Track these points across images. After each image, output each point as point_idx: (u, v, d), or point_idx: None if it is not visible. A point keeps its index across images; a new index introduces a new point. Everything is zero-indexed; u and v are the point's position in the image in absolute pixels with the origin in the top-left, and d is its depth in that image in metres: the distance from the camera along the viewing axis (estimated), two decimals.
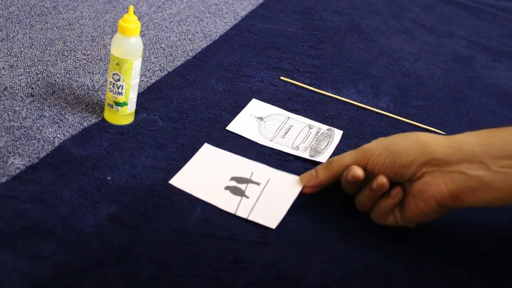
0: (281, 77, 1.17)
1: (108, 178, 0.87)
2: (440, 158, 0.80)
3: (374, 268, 0.82)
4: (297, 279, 0.79)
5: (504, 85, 1.30)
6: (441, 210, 0.82)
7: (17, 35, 1.14)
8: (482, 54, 1.40)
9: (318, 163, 0.97)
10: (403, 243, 0.87)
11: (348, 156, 0.87)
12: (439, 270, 0.84)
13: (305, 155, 0.98)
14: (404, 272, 0.83)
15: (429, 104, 1.19)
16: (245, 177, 0.92)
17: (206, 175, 0.91)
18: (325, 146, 1.01)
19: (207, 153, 0.95)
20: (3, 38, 1.12)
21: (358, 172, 0.85)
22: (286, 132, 1.03)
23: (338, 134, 1.05)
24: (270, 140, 1.00)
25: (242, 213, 0.86)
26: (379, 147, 0.84)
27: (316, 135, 1.03)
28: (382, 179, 0.83)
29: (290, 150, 0.99)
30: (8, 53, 1.09)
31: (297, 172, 0.95)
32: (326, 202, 0.91)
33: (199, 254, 0.79)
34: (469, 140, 0.81)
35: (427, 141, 0.82)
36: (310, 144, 1.01)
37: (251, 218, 0.85)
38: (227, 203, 0.87)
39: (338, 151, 1.00)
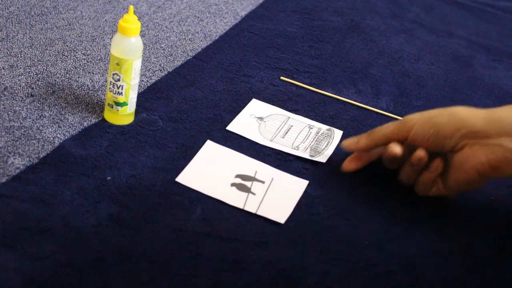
0: (281, 77, 1.17)
1: (108, 178, 0.87)
2: (480, 131, 0.83)
3: (374, 268, 0.82)
4: (297, 279, 0.79)
5: (504, 85, 1.30)
6: (482, 179, 0.86)
7: (17, 35, 1.14)
8: (482, 54, 1.40)
9: (318, 163, 0.97)
10: (403, 243, 0.87)
11: (390, 126, 0.89)
12: (439, 270, 0.84)
13: (305, 155, 0.98)
14: (404, 272, 0.83)
15: (429, 104, 1.19)
16: (250, 175, 0.92)
17: (211, 172, 0.92)
18: (325, 146, 1.01)
19: (210, 150, 0.96)
20: (3, 38, 1.12)
21: (396, 149, 0.87)
22: (286, 132, 1.03)
23: (338, 134, 1.05)
24: (270, 140, 1.00)
25: (250, 208, 0.87)
26: (421, 118, 0.86)
27: (316, 135, 1.03)
28: (420, 153, 0.86)
29: (290, 150, 0.99)
30: (8, 53, 1.09)
31: (298, 172, 0.95)
32: (326, 202, 0.91)
33: (199, 254, 0.79)
34: (508, 114, 0.83)
35: (467, 114, 0.85)
36: (310, 144, 1.01)
37: (259, 213, 0.86)
38: (235, 199, 0.88)
39: (338, 151, 1.00)
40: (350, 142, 0.93)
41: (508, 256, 0.88)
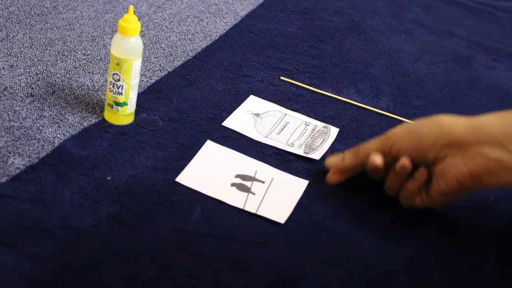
0: (281, 77, 1.17)
1: (108, 178, 0.87)
2: (460, 140, 0.82)
3: (374, 268, 0.82)
4: (297, 279, 0.79)
5: (504, 85, 1.30)
6: (463, 190, 0.84)
7: (17, 35, 1.14)
8: (482, 54, 1.40)
9: (314, 160, 0.97)
10: (403, 243, 0.87)
11: (373, 143, 0.89)
12: (439, 270, 0.84)
13: (300, 151, 0.98)
14: (404, 272, 0.83)
15: (429, 104, 1.19)
16: (250, 175, 0.92)
17: (211, 172, 0.92)
18: (320, 143, 1.01)
19: (210, 150, 0.96)
20: (3, 38, 1.12)
21: (376, 160, 0.87)
22: (282, 129, 1.03)
23: (334, 131, 1.05)
24: (266, 137, 1.00)
25: (250, 208, 0.87)
26: (403, 131, 0.87)
27: (312, 132, 1.03)
28: (404, 161, 0.85)
29: (284, 146, 0.99)
30: (8, 53, 1.09)
31: (297, 172, 0.95)
32: (326, 202, 0.91)
33: (199, 254, 0.79)
34: (489, 122, 0.82)
35: (448, 123, 0.84)
36: (305, 141, 1.01)
37: (259, 213, 0.86)
38: (235, 199, 0.88)
39: (334, 149, 1.00)
40: (335, 160, 0.92)
41: (508, 256, 0.88)
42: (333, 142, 1.03)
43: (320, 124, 1.06)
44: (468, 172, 0.82)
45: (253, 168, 0.94)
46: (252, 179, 0.92)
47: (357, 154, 0.90)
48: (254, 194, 0.89)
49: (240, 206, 0.87)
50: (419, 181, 0.86)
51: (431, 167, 0.86)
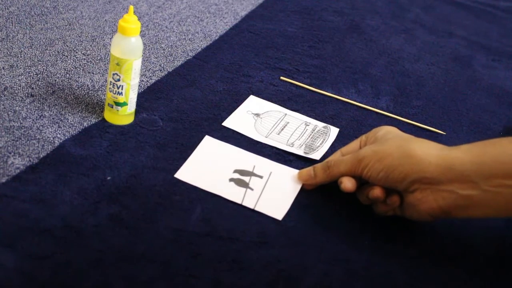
0: (281, 77, 1.17)
1: (108, 178, 0.87)
2: (431, 177, 0.81)
3: (374, 268, 0.82)
4: (297, 279, 0.79)
5: (504, 85, 1.30)
6: (435, 220, 0.85)
7: (17, 35, 1.14)
8: (482, 54, 1.40)
9: (314, 161, 0.97)
10: (403, 243, 0.87)
11: (343, 164, 0.88)
12: (439, 270, 0.84)
13: (300, 152, 0.98)
14: (404, 272, 0.83)
15: (429, 104, 1.19)
16: (248, 170, 0.92)
17: (209, 167, 0.92)
18: (320, 144, 1.01)
19: (209, 145, 0.96)
20: (3, 38, 1.12)
21: (348, 185, 0.87)
22: (282, 129, 1.03)
23: (334, 131, 1.05)
24: (266, 137, 1.00)
25: (248, 203, 0.87)
26: (373, 158, 0.84)
27: (312, 132, 1.03)
28: (378, 193, 0.85)
29: (284, 146, 0.99)
30: (8, 53, 1.09)
31: None
32: (326, 202, 0.91)
33: (199, 254, 0.79)
34: (461, 159, 0.80)
35: (419, 158, 0.82)
36: (305, 141, 1.01)
37: (257, 208, 0.87)
38: (233, 194, 0.88)
39: (334, 149, 1.00)
40: (306, 176, 0.92)
41: (508, 256, 0.88)
42: (333, 142, 1.03)
43: (320, 124, 1.06)
44: (439, 207, 0.82)
45: (251, 162, 0.94)
46: (250, 174, 0.92)
47: (329, 173, 0.89)
48: (252, 189, 0.89)
49: (238, 201, 0.87)
50: (391, 207, 0.87)
51: (402, 193, 0.85)
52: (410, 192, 0.83)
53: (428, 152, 0.82)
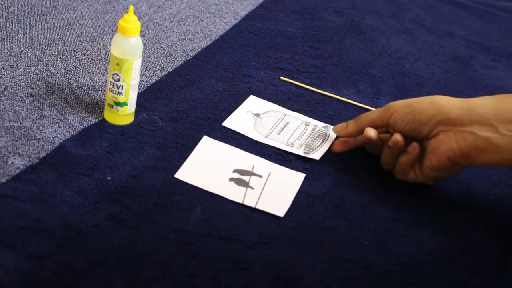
0: (281, 77, 1.17)
1: (108, 178, 0.87)
2: (454, 118, 0.87)
3: (374, 268, 0.82)
4: (297, 279, 0.79)
5: (504, 85, 1.30)
6: (454, 167, 0.89)
7: (17, 35, 1.14)
8: (482, 54, 1.40)
9: (314, 161, 0.97)
10: (403, 243, 0.87)
11: (373, 112, 0.96)
12: (439, 270, 0.84)
13: (300, 152, 0.98)
14: (404, 272, 0.83)
15: None
16: (247, 169, 0.92)
17: (209, 167, 0.92)
18: (320, 143, 1.01)
19: (207, 145, 0.96)
20: (3, 38, 1.12)
21: (370, 133, 0.94)
22: (282, 129, 1.03)
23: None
24: (265, 137, 1.00)
25: (249, 202, 0.87)
26: (402, 104, 0.92)
27: (312, 132, 1.03)
28: (397, 137, 0.91)
29: (284, 146, 0.99)
30: (8, 53, 1.09)
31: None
32: (326, 202, 0.91)
33: (199, 254, 0.79)
34: (483, 103, 0.87)
35: (444, 102, 0.89)
36: (305, 141, 1.01)
37: (258, 207, 0.87)
38: (234, 193, 0.88)
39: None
40: (339, 128, 0.99)
41: (508, 256, 0.88)
42: (333, 142, 1.03)
43: (320, 124, 1.06)
44: (459, 149, 0.87)
45: (250, 162, 0.94)
46: (250, 173, 0.92)
47: (359, 122, 0.96)
48: (252, 188, 0.90)
49: (239, 200, 0.87)
50: (412, 155, 0.91)
51: (424, 142, 0.91)
52: (434, 136, 0.88)
53: (452, 99, 0.90)
